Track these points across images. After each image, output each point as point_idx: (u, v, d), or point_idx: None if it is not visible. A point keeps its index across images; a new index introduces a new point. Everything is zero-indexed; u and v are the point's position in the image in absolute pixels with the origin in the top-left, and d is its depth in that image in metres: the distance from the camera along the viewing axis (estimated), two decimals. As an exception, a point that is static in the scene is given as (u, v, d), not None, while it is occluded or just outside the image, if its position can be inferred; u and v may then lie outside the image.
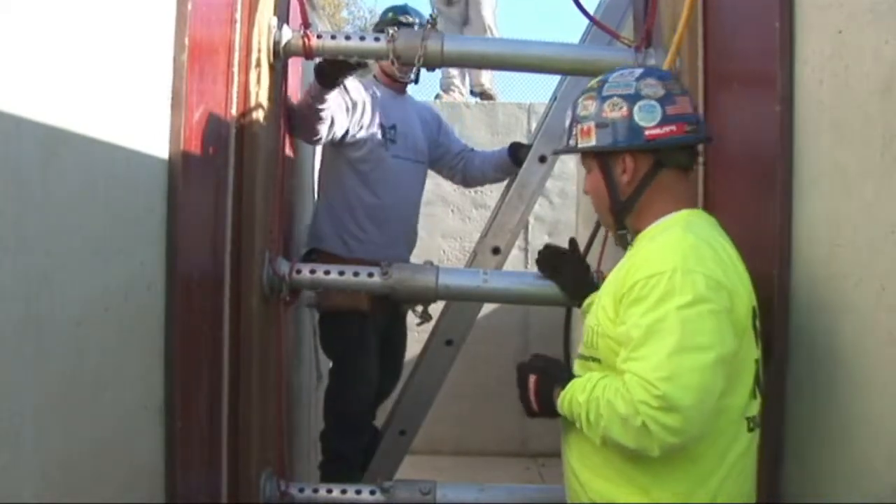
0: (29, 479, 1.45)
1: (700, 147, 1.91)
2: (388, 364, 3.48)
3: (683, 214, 1.78)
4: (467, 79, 6.33)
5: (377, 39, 2.78)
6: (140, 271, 1.90)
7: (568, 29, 20.40)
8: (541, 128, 3.42)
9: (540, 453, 5.35)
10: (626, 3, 3.21)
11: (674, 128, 1.75)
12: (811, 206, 1.79)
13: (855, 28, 1.61)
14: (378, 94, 3.36)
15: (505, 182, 3.63)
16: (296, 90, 3.28)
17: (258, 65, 2.59)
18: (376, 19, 4.47)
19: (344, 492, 2.79)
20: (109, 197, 1.74)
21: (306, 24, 2.79)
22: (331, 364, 3.45)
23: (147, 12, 1.91)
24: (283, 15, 2.78)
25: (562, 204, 5.76)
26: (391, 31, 2.76)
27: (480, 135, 5.72)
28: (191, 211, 2.12)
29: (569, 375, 1.80)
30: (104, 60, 1.71)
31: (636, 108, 1.74)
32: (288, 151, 3.07)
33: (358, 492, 2.79)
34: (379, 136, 3.30)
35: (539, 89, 8.46)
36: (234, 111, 2.47)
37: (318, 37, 2.74)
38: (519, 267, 5.62)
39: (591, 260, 2.72)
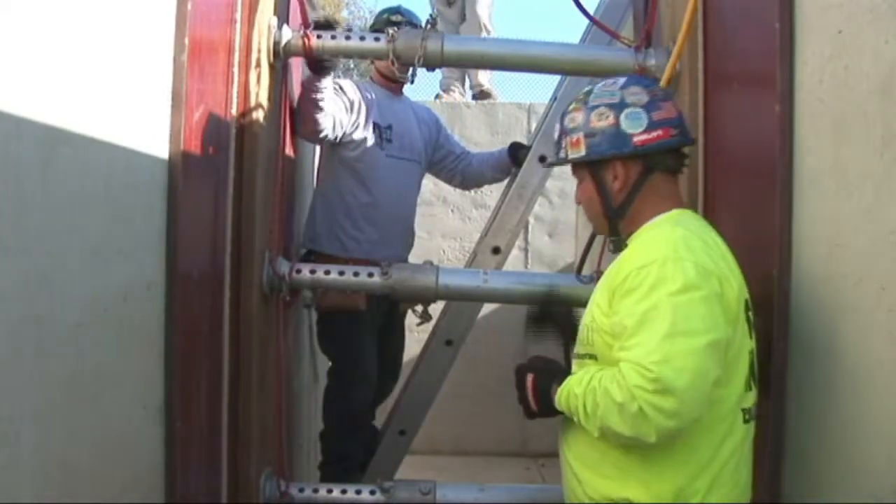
0: (29, 479, 1.44)
1: (687, 149, 1.93)
2: (387, 364, 3.49)
3: (673, 213, 1.82)
4: (467, 79, 6.34)
5: (377, 39, 2.79)
6: (140, 271, 1.90)
7: (568, 29, 20.38)
8: (541, 128, 3.43)
9: (540, 453, 5.34)
10: (626, 3, 3.22)
11: (660, 132, 1.78)
12: (811, 206, 1.79)
13: (855, 28, 1.61)
14: (374, 94, 3.36)
15: (505, 182, 3.64)
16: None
17: (258, 65, 2.59)
18: (376, 19, 4.47)
19: (344, 492, 2.80)
20: (109, 197, 1.74)
21: (306, 24, 2.79)
22: (329, 364, 3.46)
23: (147, 12, 1.91)
24: (283, 15, 2.78)
25: (562, 204, 5.76)
26: (391, 31, 2.76)
27: (480, 135, 5.72)
28: (191, 211, 2.11)
29: (566, 374, 1.82)
30: (104, 60, 1.70)
31: (623, 116, 1.78)
32: (289, 151, 3.08)
33: (358, 492, 2.80)
34: (375, 135, 3.30)
35: (539, 89, 8.44)
36: (234, 111, 2.47)
37: (318, 37, 2.74)
38: (519, 267, 5.62)
39: (592, 260, 2.72)
